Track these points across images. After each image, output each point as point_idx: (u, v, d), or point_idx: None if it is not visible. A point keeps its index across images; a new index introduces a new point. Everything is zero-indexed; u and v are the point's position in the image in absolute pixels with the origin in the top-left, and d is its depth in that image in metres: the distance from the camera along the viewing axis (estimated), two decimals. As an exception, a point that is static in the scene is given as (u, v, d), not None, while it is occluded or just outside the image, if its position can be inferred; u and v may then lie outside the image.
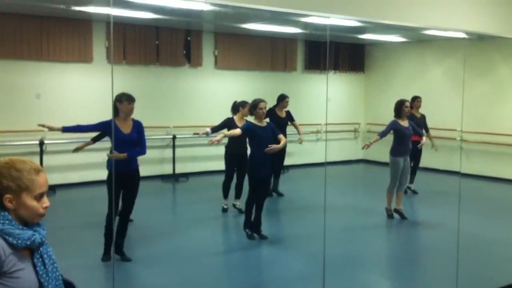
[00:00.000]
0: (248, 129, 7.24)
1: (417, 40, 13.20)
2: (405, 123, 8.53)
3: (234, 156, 8.60)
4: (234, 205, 8.93)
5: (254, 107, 7.38)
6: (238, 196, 8.86)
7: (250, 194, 7.35)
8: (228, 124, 8.54)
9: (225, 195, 8.92)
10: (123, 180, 6.23)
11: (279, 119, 9.84)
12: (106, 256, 6.36)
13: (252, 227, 7.48)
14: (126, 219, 6.46)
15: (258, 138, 7.17)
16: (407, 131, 8.49)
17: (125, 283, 5.82)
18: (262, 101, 7.36)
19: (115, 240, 6.40)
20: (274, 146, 7.11)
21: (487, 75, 12.39)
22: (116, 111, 6.30)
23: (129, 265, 6.32)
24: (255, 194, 7.31)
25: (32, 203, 2.21)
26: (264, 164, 7.21)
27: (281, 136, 7.32)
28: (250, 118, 7.82)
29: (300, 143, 10.37)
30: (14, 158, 2.26)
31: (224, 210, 8.90)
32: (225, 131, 7.95)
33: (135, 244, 7.04)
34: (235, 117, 8.63)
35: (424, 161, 10.74)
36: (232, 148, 8.66)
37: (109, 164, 6.38)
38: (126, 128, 6.29)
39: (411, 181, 10.51)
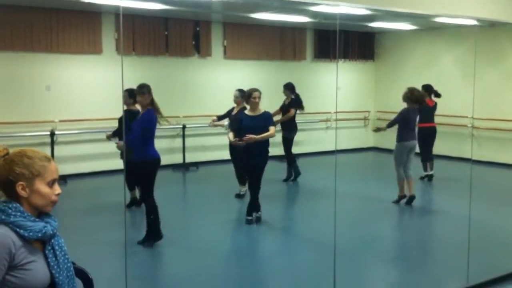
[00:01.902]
0: (236, 120, 7.49)
1: (427, 27, 13.10)
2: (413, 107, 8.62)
3: (235, 146, 8.69)
4: (241, 191, 9.01)
5: (248, 96, 7.50)
6: (244, 183, 8.90)
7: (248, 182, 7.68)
8: (229, 114, 9.00)
9: (240, 182, 8.98)
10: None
11: (282, 106, 10.07)
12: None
13: (248, 209, 7.61)
14: (146, 206, 6.61)
15: (245, 127, 7.25)
16: (414, 117, 8.68)
17: (137, 269, 5.86)
18: (256, 90, 7.44)
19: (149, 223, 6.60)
20: (250, 136, 7.12)
21: (498, 62, 12.30)
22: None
23: (142, 252, 6.36)
24: (249, 180, 7.59)
25: (45, 189, 2.23)
26: (251, 152, 7.23)
27: (270, 127, 7.31)
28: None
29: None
30: (24, 148, 2.29)
31: (238, 196, 8.96)
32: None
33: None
34: (235, 107, 8.88)
35: (436, 148, 10.69)
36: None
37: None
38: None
39: (431, 168, 10.51)
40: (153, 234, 6.56)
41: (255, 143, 7.17)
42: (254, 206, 7.55)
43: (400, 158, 8.57)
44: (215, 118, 9.06)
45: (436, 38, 13.43)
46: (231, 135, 7.50)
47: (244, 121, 7.33)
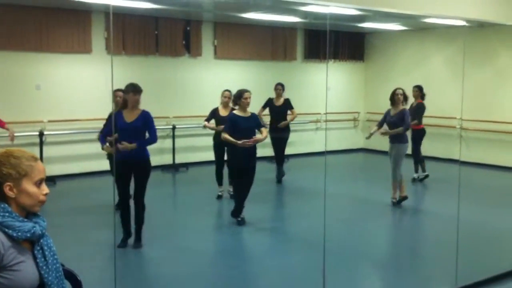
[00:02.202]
0: (231, 121, 7.35)
1: (417, 28, 13.16)
2: (394, 110, 8.59)
3: (221, 145, 8.67)
4: (229, 192, 9.00)
5: (238, 97, 7.45)
6: (230, 183, 8.95)
7: (234, 183, 7.59)
8: (213, 114, 8.89)
9: (219, 183, 9.11)
10: (130, 168, 6.34)
11: (275, 107, 10.09)
12: (121, 243, 6.46)
13: (233, 212, 7.58)
14: (138, 206, 6.53)
15: (239, 129, 7.24)
16: (390, 120, 8.58)
17: (126, 270, 5.85)
18: (247, 91, 7.43)
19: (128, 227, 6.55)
20: (255, 138, 7.21)
21: (487, 63, 12.37)
22: (124, 101, 6.48)
23: (130, 253, 6.34)
24: (239, 183, 7.48)
25: (33, 189, 2.22)
26: (242, 155, 7.28)
27: (263, 128, 7.55)
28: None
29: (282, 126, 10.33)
30: (11, 148, 2.28)
31: (219, 197, 9.04)
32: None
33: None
34: (219, 107, 8.88)
35: (424, 150, 10.74)
36: (218, 137, 8.81)
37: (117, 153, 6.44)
38: (130, 117, 6.38)
39: (416, 170, 10.53)
40: (140, 235, 6.55)
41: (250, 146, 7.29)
42: (241, 208, 7.54)
43: (390, 159, 8.61)
44: (206, 123, 8.99)
45: (425, 39, 13.49)
46: (226, 136, 7.36)
47: (238, 122, 7.30)
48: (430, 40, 13.43)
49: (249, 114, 7.44)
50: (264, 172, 9.66)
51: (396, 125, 8.50)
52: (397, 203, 8.60)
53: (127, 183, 6.46)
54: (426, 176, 10.54)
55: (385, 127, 8.67)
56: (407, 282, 5.87)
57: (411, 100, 9.82)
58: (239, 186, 7.53)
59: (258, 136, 7.37)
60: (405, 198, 8.61)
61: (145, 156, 6.48)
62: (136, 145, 6.28)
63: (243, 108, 7.42)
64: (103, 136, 6.87)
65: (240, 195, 7.51)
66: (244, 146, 7.18)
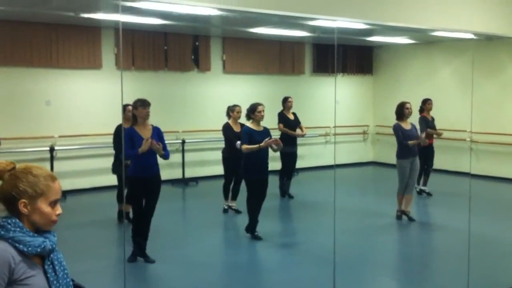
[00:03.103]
0: (248, 134, 7.30)
1: (425, 41, 13.17)
2: (407, 125, 8.53)
3: (229, 159, 8.74)
4: (230, 207, 9.09)
5: (252, 111, 7.42)
6: (234, 197, 9.09)
7: (248, 197, 7.46)
8: (227, 130, 8.75)
9: (226, 197, 9.17)
10: (145, 185, 6.34)
11: (290, 121, 10.03)
12: (131, 257, 6.45)
13: (247, 227, 7.55)
14: (147, 222, 6.52)
15: (255, 142, 7.21)
16: (410, 133, 8.49)
17: (136, 285, 5.85)
18: (260, 104, 7.43)
19: (139, 242, 6.50)
20: (276, 140, 7.22)
21: (495, 75, 12.34)
22: (134, 118, 6.45)
23: (140, 268, 6.35)
24: (253, 195, 7.39)
25: (47, 209, 2.23)
26: (259, 166, 7.30)
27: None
28: (245, 122, 7.85)
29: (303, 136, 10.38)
30: (30, 164, 2.28)
31: (225, 211, 9.10)
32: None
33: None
34: (230, 122, 8.80)
35: (435, 163, 10.70)
36: (226, 151, 8.92)
37: (129, 169, 6.41)
38: (146, 133, 6.38)
39: (425, 184, 10.49)
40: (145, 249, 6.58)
41: (265, 156, 7.33)
42: (256, 223, 7.52)
43: (404, 174, 8.57)
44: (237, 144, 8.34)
45: (433, 52, 13.50)
46: (247, 146, 7.24)
47: (254, 136, 7.28)
48: (438, 53, 13.43)
49: (262, 128, 7.44)
50: (271, 187, 9.66)
51: (414, 138, 8.51)
52: (410, 219, 8.56)
53: (141, 199, 6.44)
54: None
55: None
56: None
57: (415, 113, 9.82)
58: (253, 200, 7.46)
59: (275, 139, 7.27)
60: (409, 212, 8.65)
61: (158, 172, 6.52)
62: (165, 155, 6.42)
63: (257, 121, 7.40)
64: (128, 155, 6.69)
65: (256, 208, 7.48)
66: (270, 144, 7.16)
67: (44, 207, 2.22)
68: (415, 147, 8.54)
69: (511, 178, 11.98)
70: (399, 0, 6.09)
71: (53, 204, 2.24)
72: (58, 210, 2.27)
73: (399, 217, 8.64)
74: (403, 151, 8.47)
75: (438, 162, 10.75)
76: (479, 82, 11.61)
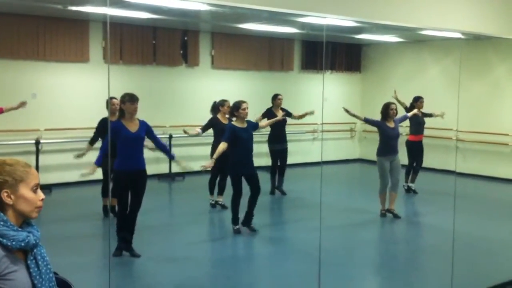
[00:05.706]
0: (231, 132, 7.35)
1: (414, 40, 13.22)
2: (391, 124, 8.58)
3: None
4: (217, 202, 9.12)
5: (236, 108, 7.47)
6: (221, 192, 9.10)
7: (234, 193, 7.50)
8: (215, 123, 8.79)
9: (211, 192, 9.21)
10: (130, 179, 6.35)
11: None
12: (116, 252, 6.43)
13: (244, 220, 7.62)
14: (134, 217, 6.51)
15: (239, 139, 7.30)
16: (392, 132, 8.54)
17: (121, 280, 5.83)
18: (244, 102, 7.50)
19: (124, 237, 6.48)
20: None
21: (483, 75, 12.42)
22: (121, 112, 6.44)
23: (126, 262, 6.32)
24: (238, 193, 7.47)
25: (30, 194, 2.24)
26: (245, 162, 7.38)
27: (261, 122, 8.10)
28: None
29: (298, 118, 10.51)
30: (2, 157, 2.30)
31: (213, 206, 9.13)
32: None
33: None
34: (219, 116, 8.83)
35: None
36: (214, 148, 8.80)
37: (115, 162, 6.39)
38: (133, 127, 6.39)
39: (412, 181, 10.55)
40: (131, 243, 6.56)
41: (250, 152, 7.44)
42: (251, 216, 7.61)
43: (386, 171, 8.60)
44: (198, 130, 8.78)
45: (422, 51, 13.56)
46: (223, 145, 7.31)
47: (238, 133, 7.34)
48: (426, 52, 13.49)
49: (246, 125, 7.49)
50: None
51: (398, 137, 8.60)
52: (395, 216, 8.60)
53: (126, 193, 6.43)
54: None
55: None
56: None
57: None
58: (238, 198, 7.52)
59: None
60: (393, 210, 8.69)
61: (144, 166, 6.52)
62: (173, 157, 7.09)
63: (241, 119, 7.45)
64: (103, 152, 6.78)
65: (251, 203, 7.55)
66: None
67: (27, 192, 2.23)
68: (395, 146, 8.58)
69: (497, 177, 12.09)
70: (389, -2, 6.11)
71: (34, 189, 2.26)
72: (41, 195, 2.29)
73: (383, 215, 8.68)
74: (383, 149, 8.57)
75: (425, 160, 10.80)
76: (466, 81, 11.67)
